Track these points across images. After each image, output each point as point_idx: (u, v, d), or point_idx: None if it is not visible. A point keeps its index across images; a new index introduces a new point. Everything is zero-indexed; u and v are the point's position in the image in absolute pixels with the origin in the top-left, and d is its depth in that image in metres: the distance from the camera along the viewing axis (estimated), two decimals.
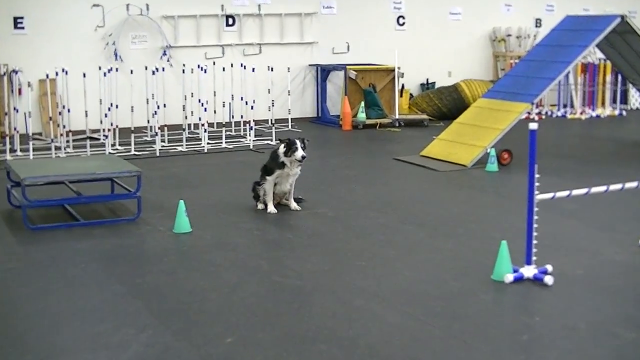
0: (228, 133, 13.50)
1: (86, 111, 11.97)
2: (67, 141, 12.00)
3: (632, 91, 17.39)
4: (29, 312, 5.73)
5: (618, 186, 6.66)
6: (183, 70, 13.13)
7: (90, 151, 11.81)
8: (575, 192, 6.54)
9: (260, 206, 8.59)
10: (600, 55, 15.59)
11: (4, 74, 12.84)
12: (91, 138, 12.14)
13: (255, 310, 5.72)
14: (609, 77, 17.03)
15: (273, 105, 13.58)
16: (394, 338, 5.23)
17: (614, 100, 17.33)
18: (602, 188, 6.60)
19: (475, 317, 5.57)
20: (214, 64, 13.73)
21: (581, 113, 16.57)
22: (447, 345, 5.13)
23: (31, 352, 5.06)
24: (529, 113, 13.23)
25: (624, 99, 17.69)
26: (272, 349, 5.06)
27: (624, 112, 17.01)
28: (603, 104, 17.16)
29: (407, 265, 6.72)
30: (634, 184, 6.76)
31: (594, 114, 16.58)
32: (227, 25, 14.91)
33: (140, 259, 7.02)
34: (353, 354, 4.99)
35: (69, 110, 11.92)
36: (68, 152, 11.84)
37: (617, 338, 5.22)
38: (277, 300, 5.96)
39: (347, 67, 14.96)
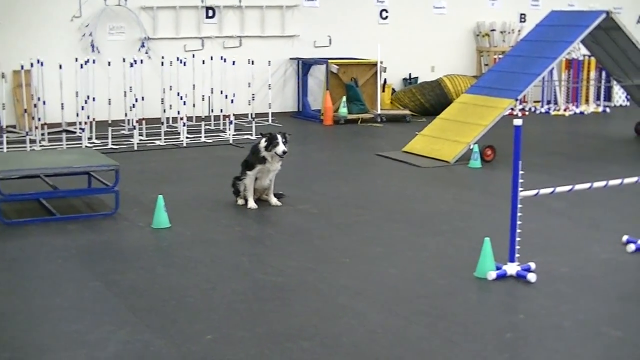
0: (207, 127, 13.38)
1: (62, 104, 11.81)
2: (43, 134, 11.84)
3: (616, 88, 17.41)
4: (3, 311, 5.61)
5: (602, 183, 6.67)
6: (162, 63, 12.98)
7: (66, 145, 11.64)
8: (559, 189, 6.50)
9: (240, 201, 8.49)
10: (584, 51, 15.58)
11: None
12: (67, 131, 12.00)
13: (236, 308, 5.64)
14: (593, 74, 17.04)
15: (253, 99, 13.46)
16: (378, 337, 5.17)
17: (598, 97, 17.36)
18: (586, 185, 6.57)
19: (460, 315, 5.52)
20: (193, 56, 13.60)
21: (565, 109, 16.57)
22: (432, 344, 5.07)
23: (6, 351, 4.94)
24: (512, 109, 13.20)
25: (608, 96, 17.73)
26: (254, 347, 4.98)
27: (608, 109, 17.04)
28: (587, 100, 17.17)
29: (390, 263, 6.65)
30: (617, 182, 6.76)
31: (577, 111, 16.59)
32: (207, 17, 14.78)
33: (118, 255, 6.91)
34: (337, 352, 4.93)
35: (44, 103, 11.77)
36: (43, 146, 11.67)
37: (603, 336, 5.19)
38: (258, 298, 5.87)
39: (329, 61, 14.87)
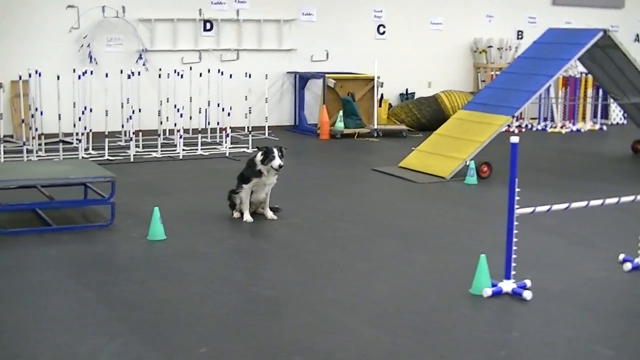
0: (204, 140, 13.36)
1: (59, 114, 11.78)
2: (39, 144, 11.81)
3: (613, 106, 17.44)
4: None
5: (598, 202, 6.64)
6: (159, 75, 12.98)
7: (63, 155, 11.60)
8: (555, 207, 6.50)
9: (236, 215, 8.48)
10: (581, 69, 15.60)
11: None
12: (64, 142, 11.96)
13: (227, 321, 5.63)
14: (590, 91, 17.08)
15: (250, 113, 13.46)
16: (369, 352, 5.15)
17: (594, 115, 17.39)
18: (583, 203, 6.58)
19: (453, 332, 5.51)
20: (190, 69, 13.60)
21: (562, 127, 16.59)
22: (422, 359, 5.04)
23: None
24: (509, 126, 13.23)
25: (605, 114, 17.75)
26: None
27: (605, 127, 17.06)
28: (584, 118, 17.19)
29: (383, 278, 6.64)
30: (614, 200, 6.75)
31: (574, 128, 16.60)
32: (205, 30, 14.78)
33: (111, 266, 6.89)
34: None
35: (41, 113, 11.74)
36: (40, 156, 11.65)
37: (595, 355, 5.17)
38: (250, 311, 5.86)
39: (326, 75, 14.89)
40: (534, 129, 16.65)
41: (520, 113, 15.58)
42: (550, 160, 13.02)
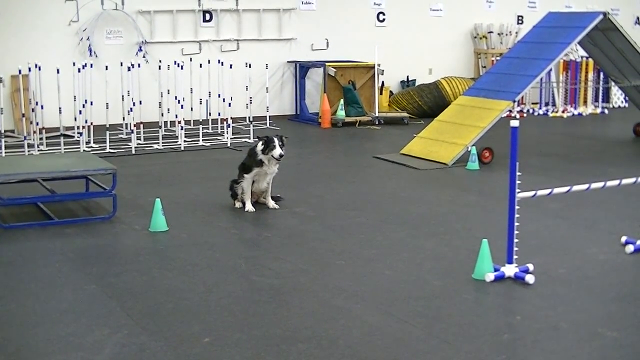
0: (205, 131, 13.36)
1: (60, 108, 11.77)
2: (40, 138, 11.82)
3: (614, 89, 17.41)
4: None
5: (600, 184, 6.64)
6: (159, 67, 12.96)
7: (64, 149, 11.62)
8: (557, 190, 6.49)
9: (237, 204, 8.48)
10: (582, 52, 15.58)
11: None
12: (65, 135, 11.96)
13: (232, 310, 5.63)
14: (591, 75, 17.04)
15: (251, 103, 13.45)
16: (374, 338, 5.15)
17: (596, 99, 17.38)
18: (584, 186, 6.57)
19: (457, 317, 5.51)
20: (190, 60, 13.58)
21: (563, 111, 16.57)
22: (429, 346, 5.05)
23: (1, 355, 4.93)
24: (510, 111, 13.21)
25: (606, 97, 17.74)
26: (250, 349, 4.97)
27: (606, 110, 17.05)
28: (585, 102, 17.17)
29: (387, 265, 6.63)
30: (615, 183, 6.74)
31: (576, 112, 16.59)
32: (204, 20, 14.77)
33: (114, 258, 6.89)
34: (333, 354, 4.91)
35: (42, 107, 11.74)
36: (41, 150, 11.66)
37: (600, 337, 5.18)
38: (255, 300, 5.85)
39: (327, 63, 14.87)
40: (536, 113, 16.63)
41: (522, 98, 15.61)
42: (553, 144, 13.00)
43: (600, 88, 17.20)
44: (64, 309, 5.67)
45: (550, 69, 13.78)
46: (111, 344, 5.06)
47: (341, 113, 14.55)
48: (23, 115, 12.16)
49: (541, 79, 14.91)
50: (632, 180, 6.80)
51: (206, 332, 5.22)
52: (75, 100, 12.04)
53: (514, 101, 11.41)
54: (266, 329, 5.28)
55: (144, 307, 5.67)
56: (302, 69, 15.41)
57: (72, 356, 4.89)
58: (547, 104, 17.01)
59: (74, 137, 12.23)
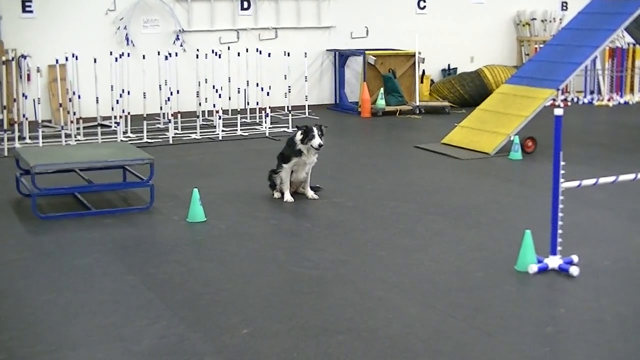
0: (243, 120, 13.32)
1: (97, 97, 11.78)
2: (78, 128, 11.85)
3: None
4: (39, 303, 5.61)
5: None
6: (197, 56, 12.95)
7: (101, 139, 11.63)
8: (603, 180, 6.37)
9: (276, 195, 8.43)
10: (629, 39, 15.30)
11: (12, 59, 12.57)
12: (102, 125, 11.99)
13: (271, 301, 5.60)
14: (638, 62, 16.70)
15: (290, 92, 13.38)
16: (414, 330, 5.10)
17: None
18: (630, 176, 6.44)
19: (498, 309, 5.44)
20: (228, 49, 13.56)
21: (609, 100, 16.28)
22: (469, 337, 4.99)
23: (42, 343, 4.95)
24: (554, 100, 12.98)
25: None
26: (289, 340, 4.94)
27: None
28: (632, 90, 16.81)
29: (428, 256, 6.56)
30: None
31: (622, 101, 16.27)
32: (242, 8, 14.72)
33: (153, 249, 6.89)
34: (373, 345, 4.87)
35: (79, 97, 11.76)
36: (78, 140, 11.68)
37: None
38: (294, 291, 5.82)
39: (366, 52, 14.75)
40: (580, 102, 16.35)
41: (566, 86, 15.33)
42: (598, 134, 12.81)
43: None
44: (103, 299, 5.67)
45: (596, 57, 13.55)
46: (150, 334, 5.05)
47: (381, 102, 14.45)
48: (60, 105, 12.19)
49: (586, 67, 14.69)
50: None
51: (245, 323, 5.19)
52: (112, 90, 12.04)
53: (558, 89, 11.22)
54: (305, 320, 5.23)
55: (182, 298, 5.66)
56: (341, 57, 15.31)
57: (112, 346, 4.90)
58: (592, 92, 16.71)
59: (111, 127, 12.26)
